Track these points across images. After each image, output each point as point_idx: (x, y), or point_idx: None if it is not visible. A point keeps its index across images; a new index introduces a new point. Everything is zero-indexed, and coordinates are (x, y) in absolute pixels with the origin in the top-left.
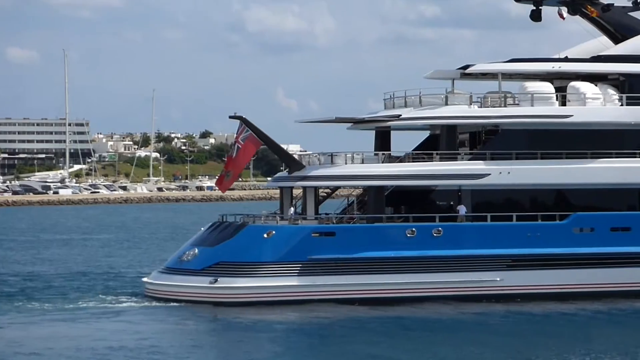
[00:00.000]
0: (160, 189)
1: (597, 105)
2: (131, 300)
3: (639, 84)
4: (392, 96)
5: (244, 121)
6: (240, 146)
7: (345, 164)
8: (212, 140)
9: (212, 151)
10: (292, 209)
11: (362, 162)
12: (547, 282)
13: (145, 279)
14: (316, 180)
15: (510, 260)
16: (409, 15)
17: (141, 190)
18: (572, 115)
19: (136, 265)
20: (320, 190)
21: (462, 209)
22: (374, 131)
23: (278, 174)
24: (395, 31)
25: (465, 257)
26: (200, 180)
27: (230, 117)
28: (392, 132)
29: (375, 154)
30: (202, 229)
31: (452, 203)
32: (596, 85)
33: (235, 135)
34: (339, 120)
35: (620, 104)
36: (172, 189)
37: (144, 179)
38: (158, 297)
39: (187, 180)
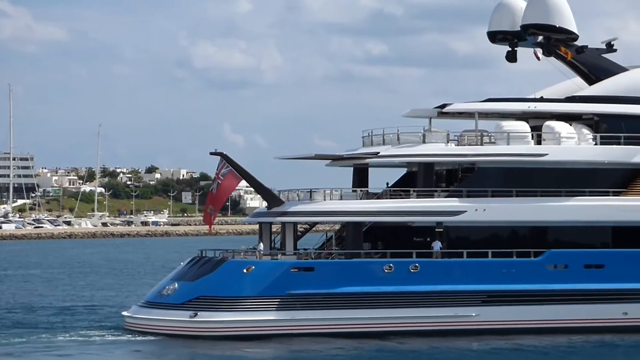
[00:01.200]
0: (104, 224)
1: (572, 145)
2: (110, 333)
3: (613, 124)
4: (370, 134)
5: (224, 157)
6: (220, 182)
7: (324, 200)
8: (157, 175)
9: (157, 186)
10: (261, 244)
11: (341, 199)
12: (521, 317)
13: (125, 313)
14: (295, 216)
15: (485, 295)
16: (356, 53)
17: (85, 225)
18: (547, 154)
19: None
20: (299, 225)
21: (436, 245)
22: (351, 168)
23: (257, 210)
24: (342, 69)
25: (441, 292)
26: (146, 216)
27: (211, 153)
28: (370, 169)
29: (354, 191)
30: (182, 263)
31: (428, 239)
32: (571, 125)
33: (215, 171)
34: (319, 157)
35: (594, 143)
36: (117, 224)
37: (88, 213)
38: (137, 331)
39: (132, 216)
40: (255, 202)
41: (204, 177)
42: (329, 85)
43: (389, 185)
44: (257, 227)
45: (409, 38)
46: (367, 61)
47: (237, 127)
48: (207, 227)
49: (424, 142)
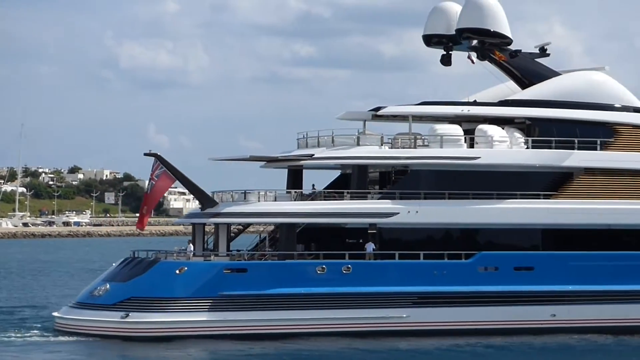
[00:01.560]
0: (25, 224)
1: (504, 148)
2: (40, 334)
3: (544, 128)
4: (305, 136)
5: (158, 158)
6: (154, 183)
7: (258, 201)
8: (80, 176)
9: (80, 187)
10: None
11: (275, 200)
12: (452, 319)
13: (55, 314)
14: (229, 217)
15: (416, 297)
16: (283, 55)
17: (6, 225)
18: (479, 157)
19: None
20: (233, 226)
21: (369, 247)
22: (286, 170)
23: (191, 211)
24: (269, 70)
25: (373, 293)
26: (67, 216)
27: (145, 154)
28: (304, 170)
29: (288, 192)
30: (114, 264)
31: (361, 241)
32: (503, 129)
33: (150, 172)
34: (253, 158)
35: (526, 147)
36: (38, 225)
37: (9, 213)
38: (68, 331)
39: (53, 216)
40: (179, 203)
41: (127, 177)
42: (256, 86)
43: (313, 187)
44: (180, 228)
45: (336, 40)
46: (295, 62)
47: (162, 127)
48: (133, 227)
49: (358, 144)
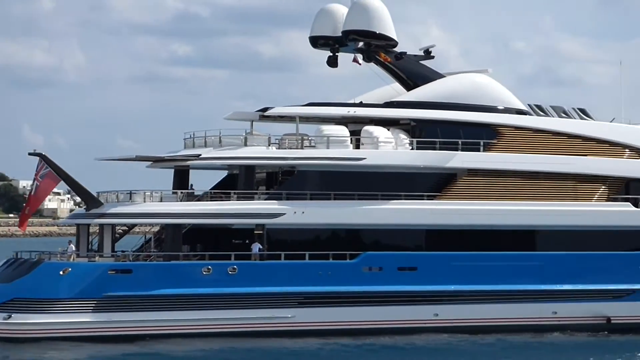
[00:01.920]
0: None
1: (389, 149)
2: None
3: (429, 129)
4: (192, 136)
5: (43, 158)
6: (39, 183)
7: (144, 201)
8: None
9: None
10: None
11: (161, 200)
12: (337, 319)
13: None
14: (114, 218)
15: (302, 297)
16: (161, 54)
17: None
18: (365, 158)
19: None
20: (117, 227)
21: (255, 247)
22: (172, 170)
23: (75, 211)
24: (146, 69)
25: (258, 294)
26: None
27: (30, 154)
28: (190, 171)
29: (174, 193)
30: None
31: (247, 241)
32: (389, 130)
33: (35, 172)
34: (140, 158)
35: (411, 148)
36: None
37: None
38: None
39: None
40: (53, 203)
41: (1, 177)
42: (133, 86)
43: (191, 187)
44: (54, 228)
45: (214, 40)
46: (172, 62)
47: (37, 127)
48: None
49: (245, 145)
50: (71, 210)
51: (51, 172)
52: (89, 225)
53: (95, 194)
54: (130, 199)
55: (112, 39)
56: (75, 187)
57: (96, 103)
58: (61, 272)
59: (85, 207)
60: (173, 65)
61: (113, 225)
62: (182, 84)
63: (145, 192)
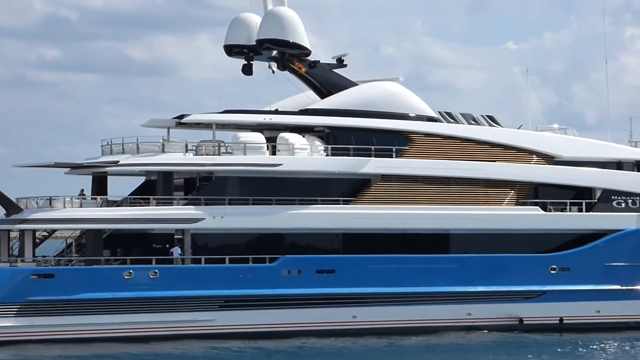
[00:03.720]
0: None
1: (305, 155)
2: None
3: (342, 136)
4: (109, 142)
5: None
6: None
7: (64, 207)
8: None
9: None
10: None
11: (81, 206)
12: (258, 321)
13: None
14: (34, 224)
15: (223, 300)
16: (29, 58)
17: None
18: (281, 164)
19: None
20: (38, 232)
21: (176, 251)
22: (91, 176)
23: None
24: (15, 73)
25: (180, 297)
26: None
27: None
28: (109, 177)
29: (93, 198)
30: None
31: (167, 246)
32: (304, 137)
33: None
34: (58, 165)
35: (325, 154)
36: None
37: None
38: None
39: None
40: None
41: None
42: (1, 90)
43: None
44: None
45: (84, 44)
46: (41, 66)
47: None
48: None
49: (163, 151)
50: None
51: None
52: (9, 230)
53: (14, 200)
54: (50, 204)
55: None
56: None
57: None
58: None
59: (5, 212)
60: (42, 69)
61: (34, 231)
62: (52, 88)
63: (64, 198)
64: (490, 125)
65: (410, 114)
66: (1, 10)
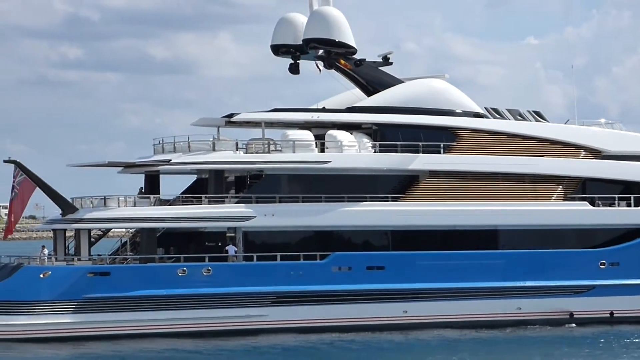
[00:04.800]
0: None
1: (353, 152)
2: None
3: (390, 133)
4: (161, 141)
5: (18, 165)
6: (17, 190)
7: (118, 206)
8: None
9: None
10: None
11: (134, 205)
12: (309, 317)
13: None
14: (90, 223)
15: (275, 297)
16: (51, 57)
17: None
18: (330, 162)
19: None
20: (93, 231)
21: (231, 249)
22: (143, 175)
23: (51, 217)
24: (36, 72)
25: (232, 294)
26: None
27: (5, 161)
28: (161, 176)
29: (147, 197)
30: None
31: (220, 244)
32: (351, 134)
33: (12, 179)
34: (111, 164)
35: (373, 151)
36: None
37: None
38: None
39: None
40: None
41: None
42: (23, 89)
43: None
44: None
45: (105, 43)
46: (63, 65)
47: None
48: None
49: (214, 150)
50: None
51: (26, 178)
52: (65, 230)
53: (69, 200)
54: (105, 204)
55: None
56: (50, 193)
57: None
58: (41, 276)
59: (61, 212)
60: (64, 69)
61: (89, 230)
62: (73, 87)
63: (119, 197)
64: (536, 120)
65: (457, 111)
66: (23, 11)
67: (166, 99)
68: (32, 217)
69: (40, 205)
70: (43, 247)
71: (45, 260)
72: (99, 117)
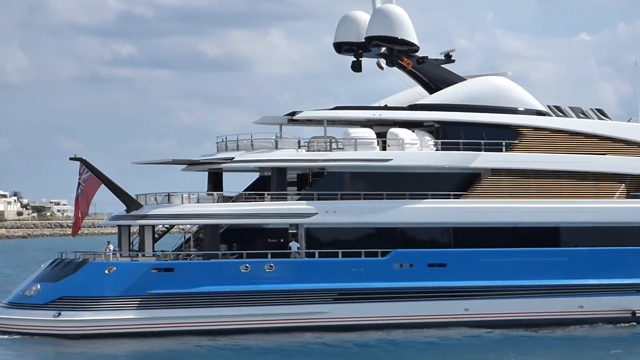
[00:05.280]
0: None
1: (415, 150)
2: None
3: (452, 131)
4: (224, 139)
5: (83, 162)
6: (83, 187)
7: (182, 203)
8: None
9: None
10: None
11: (198, 202)
12: (370, 314)
13: None
14: (155, 219)
15: (336, 293)
16: (104, 55)
17: None
18: (391, 159)
19: None
20: (157, 227)
21: (294, 246)
22: (206, 173)
23: (116, 213)
24: (90, 70)
25: (294, 290)
26: None
27: (71, 158)
28: (224, 173)
29: (210, 194)
30: (43, 266)
31: (282, 240)
32: (413, 132)
33: (78, 176)
34: (176, 162)
35: (435, 148)
36: None
37: None
38: (0, 331)
39: None
40: None
41: None
42: (76, 87)
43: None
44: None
45: (157, 40)
46: (116, 63)
47: None
48: None
49: (276, 147)
50: (18, 213)
51: (92, 175)
52: (129, 226)
53: (134, 197)
54: (169, 200)
55: (54, 40)
56: (115, 190)
57: (39, 104)
58: (106, 271)
59: (125, 209)
60: (117, 66)
61: (153, 226)
62: (126, 84)
63: (182, 194)
64: (599, 118)
65: (520, 108)
66: (75, 9)
67: (217, 96)
68: None
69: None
70: (108, 242)
71: (110, 256)
72: (150, 114)
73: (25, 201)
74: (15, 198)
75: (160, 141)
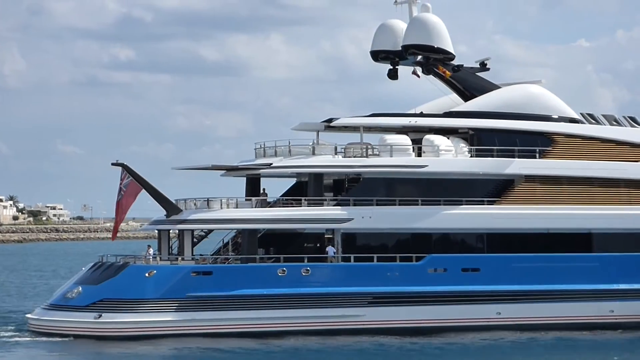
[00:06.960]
0: None
1: (450, 157)
2: (15, 335)
3: (486, 137)
4: (262, 146)
5: (125, 168)
6: (123, 192)
7: (221, 208)
8: None
9: None
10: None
11: (237, 207)
12: (405, 317)
13: (29, 315)
14: (194, 224)
15: (371, 297)
16: (102, 58)
17: None
18: (427, 166)
19: None
20: (196, 232)
21: (330, 250)
22: (244, 178)
23: (156, 218)
24: (88, 74)
25: (331, 294)
26: None
27: (113, 164)
28: (261, 179)
29: (248, 199)
30: (83, 268)
31: (318, 245)
32: (448, 138)
33: (119, 181)
34: (215, 167)
35: (470, 155)
36: None
37: None
38: (43, 332)
39: None
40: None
41: None
42: (74, 90)
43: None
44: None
45: (157, 44)
46: (114, 66)
47: None
48: None
49: (313, 154)
50: (14, 217)
51: (133, 180)
52: (169, 230)
53: (174, 202)
54: (208, 205)
55: (53, 44)
56: (156, 195)
57: (37, 108)
58: (147, 274)
59: (165, 213)
60: (115, 70)
61: (192, 231)
62: (124, 88)
63: (221, 199)
64: (632, 126)
65: (553, 116)
66: (74, 12)
67: (216, 101)
68: (80, 218)
69: (88, 206)
70: (149, 246)
71: (151, 259)
72: (149, 118)
73: (21, 205)
74: (11, 202)
75: (159, 146)
